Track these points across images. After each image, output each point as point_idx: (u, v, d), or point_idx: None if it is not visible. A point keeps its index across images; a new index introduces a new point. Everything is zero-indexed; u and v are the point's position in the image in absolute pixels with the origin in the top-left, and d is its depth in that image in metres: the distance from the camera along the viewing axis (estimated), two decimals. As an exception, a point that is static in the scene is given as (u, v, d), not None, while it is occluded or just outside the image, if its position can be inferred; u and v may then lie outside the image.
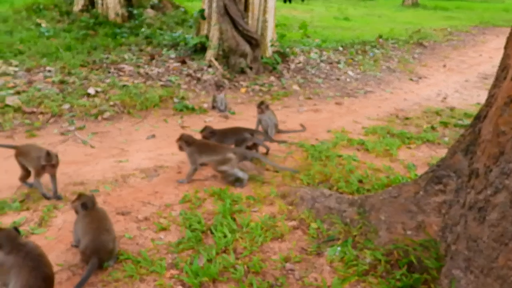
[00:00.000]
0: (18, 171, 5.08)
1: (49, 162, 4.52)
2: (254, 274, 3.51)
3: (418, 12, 27.66)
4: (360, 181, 5.24)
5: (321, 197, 4.56)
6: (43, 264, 3.02)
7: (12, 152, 5.76)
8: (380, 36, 15.96)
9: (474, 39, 18.70)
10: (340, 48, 13.84)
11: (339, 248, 3.82)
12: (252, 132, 5.93)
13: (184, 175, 5.29)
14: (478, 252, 2.82)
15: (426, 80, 11.52)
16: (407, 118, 8.11)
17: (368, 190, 4.99)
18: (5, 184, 4.89)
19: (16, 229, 3.12)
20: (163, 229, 4.14)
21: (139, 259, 3.64)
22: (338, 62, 12.13)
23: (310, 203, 4.50)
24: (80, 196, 3.85)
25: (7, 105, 6.98)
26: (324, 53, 13.01)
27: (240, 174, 5.09)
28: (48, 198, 4.60)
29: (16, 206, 4.42)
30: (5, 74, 8.47)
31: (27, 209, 4.41)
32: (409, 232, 3.68)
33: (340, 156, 6.02)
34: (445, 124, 7.80)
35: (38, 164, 4.55)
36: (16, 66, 9.01)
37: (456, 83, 11.33)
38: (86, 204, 3.72)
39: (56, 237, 3.98)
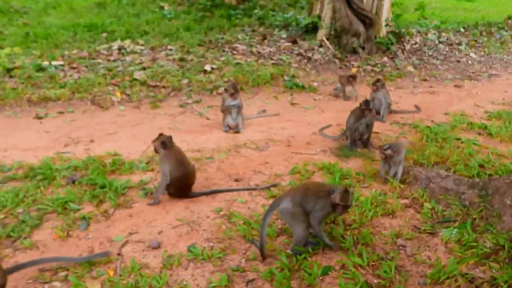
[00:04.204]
0: (144, 137, 5.57)
1: None
2: (364, 245, 3.48)
3: (558, -9, 24.43)
4: (481, 166, 4.88)
5: (436, 177, 4.34)
6: (185, 157, 4.35)
7: (138, 120, 6.35)
8: (509, 17, 14.45)
9: None
10: (462, 30, 12.82)
11: (455, 230, 3.62)
12: None
13: (294, 148, 5.39)
14: None
15: None
16: (539, 104, 7.33)
17: (489, 175, 4.63)
18: (133, 148, 5.39)
19: (170, 136, 4.29)
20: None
21: (251, 222, 3.81)
22: (459, 44, 11.27)
23: (424, 183, 4.31)
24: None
25: (135, 79, 7.69)
26: (443, 34, 12.15)
27: None
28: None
29: (143, 166, 4.88)
30: (133, 52, 9.29)
31: (152, 170, 4.83)
32: (539, 219, 3.37)
33: (458, 139, 5.65)
34: None
35: None
36: (142, 45, 9.81)
37: None
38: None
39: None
